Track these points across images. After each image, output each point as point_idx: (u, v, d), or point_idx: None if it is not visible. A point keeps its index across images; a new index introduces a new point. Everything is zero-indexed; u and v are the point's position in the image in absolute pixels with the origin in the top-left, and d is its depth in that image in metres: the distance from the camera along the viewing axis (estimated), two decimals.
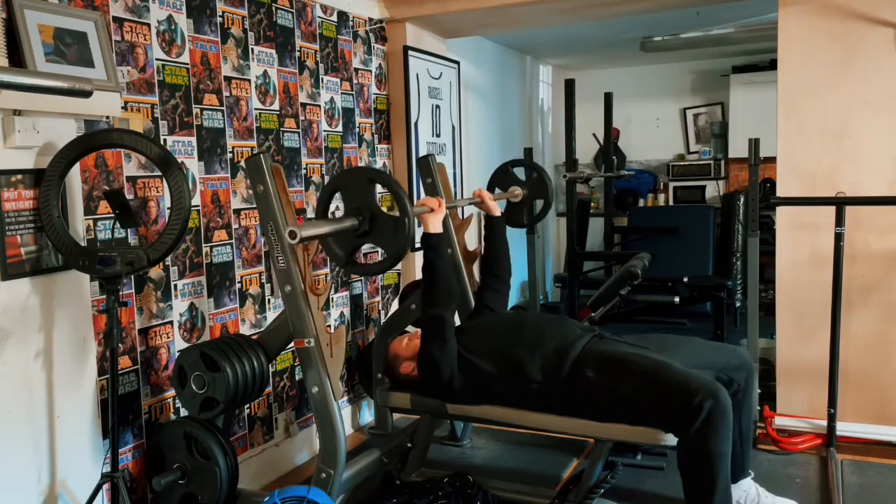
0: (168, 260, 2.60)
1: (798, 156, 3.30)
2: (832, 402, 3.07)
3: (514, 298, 6.15)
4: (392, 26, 3.97)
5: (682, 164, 6.77)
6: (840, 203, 2.99)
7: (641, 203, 6.91)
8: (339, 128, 3.61)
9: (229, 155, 2.92)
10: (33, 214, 2.09)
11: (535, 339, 2.49)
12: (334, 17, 3.57)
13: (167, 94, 2.62)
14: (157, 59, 2.58)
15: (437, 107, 4.31)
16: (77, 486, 2.22)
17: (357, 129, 3.74)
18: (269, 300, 3.13)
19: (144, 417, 2.55)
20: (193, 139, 2.75)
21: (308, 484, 2.23)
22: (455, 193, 4.36)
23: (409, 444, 2.79)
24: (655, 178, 6.96)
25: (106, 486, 2.23)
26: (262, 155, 2.26)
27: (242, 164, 2.95)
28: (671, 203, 6.77)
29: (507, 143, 5.90)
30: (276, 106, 3.17)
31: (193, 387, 2.33)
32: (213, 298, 2.85)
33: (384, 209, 2.29)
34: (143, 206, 2.54)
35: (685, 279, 5.04)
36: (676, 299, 4.90)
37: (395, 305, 3.99)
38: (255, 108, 3.06)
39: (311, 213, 3.38)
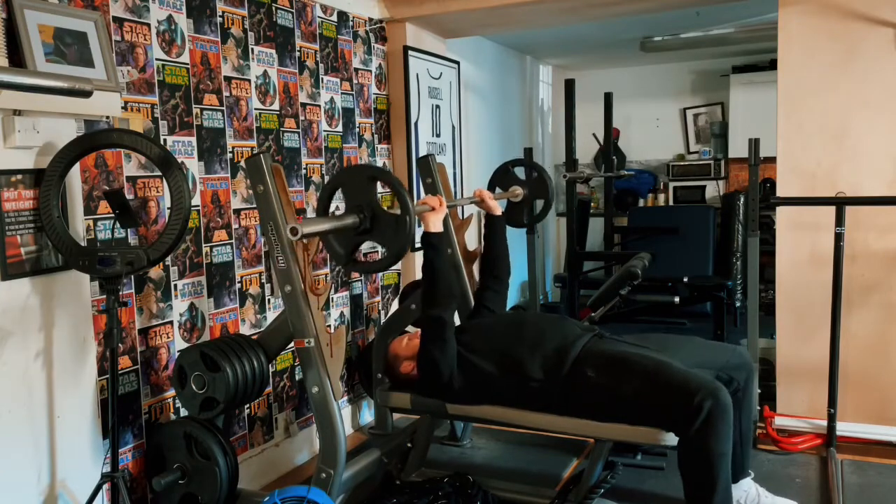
0: (168, 260, 2.60)
1: (798, 156, 3.30)
2: (832, 402, 3.07)
3: (514, 298, 6.14)
4: (392, 26, 3.97)
5: (682, 164, 6.77)
6: (840, 203, 2.99)
7: (641, 203, 6.91)
8: (339, 128, 3.61)
9: (229, 155, 2.92)
10: (33, 214, 2.09)
11: (536, 338, 2.49)
12: (334, 17, 3.57)
13: (167, 94, 2.62)
14: (157, 59, 2.58)
15: (437, 107, 4.31)
16: (77, 486, 2.22)
17: (357, 129, 3.74)
18: (269, 300, 3.13)
19: (144, 417, 2.55)
20: (193, 139, 2.75)
21: (308, 484, 2.23)
22: (455, 193, 4.36)
23: (409, 444, 2.79)
24: (655, 178, 6.96)
25: (106, 486, 2.23)
26: (262, 155, 2.26)
27: (242, 164, 2.95)
28: (671, 203, 6.77)
29: (507, 143, 5.90)
30: (276, 106, 3.17)
31: (193, 387, 2.33)
32: (213, 298, 2.85)
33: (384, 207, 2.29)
34: (143, 206, 2.54)
35: (685, 279, 5.04)
36: (676, 299, 4.90)
37: (395, 305, 3.99)
38: (255, 108, 3.06)
39: (311, 213, 3.38)
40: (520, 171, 3.67)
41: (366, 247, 3.57)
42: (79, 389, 2.24)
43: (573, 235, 5.20)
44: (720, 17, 5.06)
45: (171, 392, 2.64)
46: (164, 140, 2.61)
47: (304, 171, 3.36)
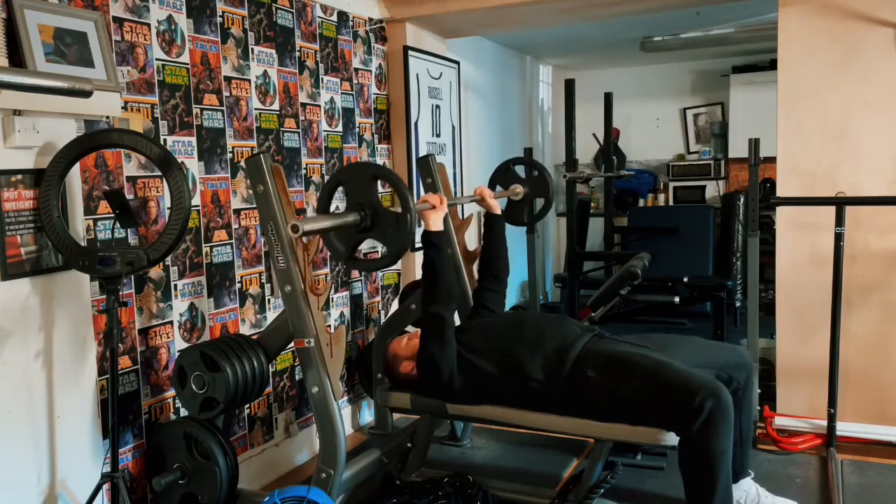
0: (168, 260, 2.60)
1: (798, 156, 3.30)
2: (832, 402, 3.07)
3: (514, 298, 6.15)
4: (392, 26, 3.97)
5: (682, 164, 6.77)
6: (840, 203, 2.99)
7: (641, 203, 6.91)
8: (339, 128, 3.61)
9: (229, 155, 2.92)
10: (33, 214, 2.09)
11: (536, 338, 2.49)
12: (334, 17, 3.57)
13: (167, 94, 2.62)
14: (157, 59, 2.58)
15: (437, 107, 4.31)
16: (77, 486, 2.22)
17: (357, 129, 3.74)
18: (269, 300, 3.13)
19: (144, 417, 2.55)
20: (193, 139, 2.75)
21: (308, 484, 2.23)
22: (455, 193, 4.36)
23: (409, 444, 2.79)
24: (655, 178, 6.96)
25: (106, 486, 2.23)
26: (262, 155, 2.26)
27: (242, 164, 2.95)
28: (671, 203, 6.77)
29: (507, 143, 5.90)
30: (276, 106, 3.17)
31: (193, 387, 2.33)
32: (213, 298, 2.85)
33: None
34: (143, 206, 2.54)
35: (685, 279, 5.04)
36: (676, 299, 4.90)
37: (395, 305, 3.99)
38: (255, 108, 3.06)
39: (311, 213, 3.38)
40: (520, 171, 3.67)
41: (365, 247, 3.57)
42: (79, 389, 2.24)
43: (573, 235, 5.20)
44: (720, 17, 5.06)
45: (171, 392, 2.64)
46: (164, 140, 2.61)
47: (304, 171, 3.36)
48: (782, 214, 3.41)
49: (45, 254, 2.12)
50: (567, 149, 5.11)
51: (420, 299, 2.67)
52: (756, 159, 3.32)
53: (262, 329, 3.00)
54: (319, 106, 3.46)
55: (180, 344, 2.68)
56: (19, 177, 2.06)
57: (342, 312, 3.65)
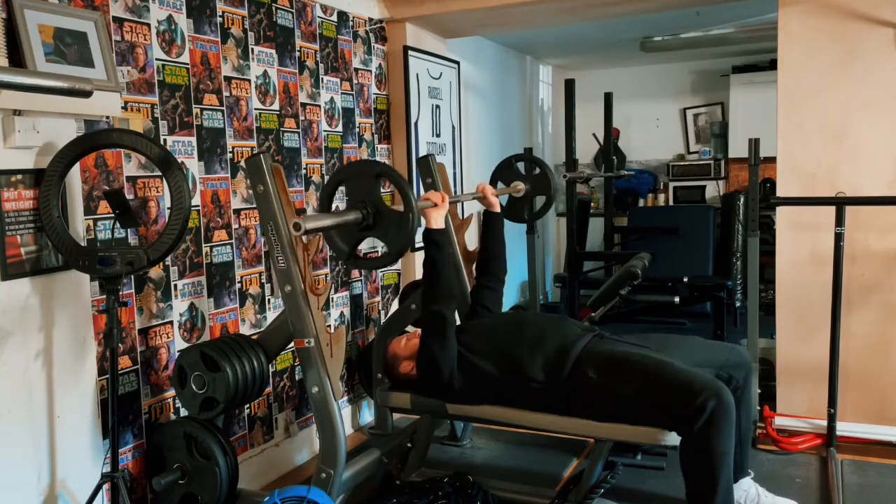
0: (168, 260, 2.60)
1: (798, 156, 3.30)
2: (832, 402, 3.07)
3: (514, 298, 6.15)
4: (392, 26, 3.97)
5: (682, 164, 6.77)
6: (840, 203, 2.99)
7: (641, 203, 6.91)
8: (339, 128, 3.61)
9: (229, 155, 2.92)
10: (33, 214, 2.09)
11: (536, 338, 2.49)
12: (334, 17, 3.57)
13: (167, 94, 2.62)
14: (157, 59, 2.58)
15: (437, 107, 4.31)
16: (77, 486, 2.22)
17: (357, 129, 3.74)
18: (269, 300, 3.13)
19: (144, 417, 2.55)
20: (193, 139, 2.75)
21: (308, 484, 2.23)
22: (455, 193, 4.35)
23: (409, 444, 2.79)
24: (655, 178, 6.96)
25: (106, 486, 2.23)
26: (262, 155, 2.26)
27: (242, 164, 2.95)
28: (671, 203, 6.77)
29: (507, 143, 5.89)
30: (276, 106, 3.17)
31: (193, 387, 2.33)
32: (213, 298, 2.85)
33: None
34: (143, 206, 2.54)
35: (685, 279, 5.04)
36: (676, 299, 4.90)
37: (395, 305, 3.99)
38: (255, 108, 3.06)
39: (311, 213, 3.38)
40: (522, 168, 3.66)
41: (365, 247, 3.57)
42: (79, 389, 2.24)
43: (573, 235, 5.20)
44: (720, 17, 5.06)
45: (171, 392, 2.64)
46: (164, 140, 2.61)
47: (304, 171, 3.36)
48: (782, 214, 3.41)
49: (45, 254, 2.12)
50: (567, 149, 5.11)
51: (420, 298, 2.67)
52: (756, 159, 3.32)
53: (262, 329, 3.00)
54: (319, 106, 3.46)
55: (180, 344, 2.68)
56: (19, 177, 2.06)
57: (342, 312, 3.65)
